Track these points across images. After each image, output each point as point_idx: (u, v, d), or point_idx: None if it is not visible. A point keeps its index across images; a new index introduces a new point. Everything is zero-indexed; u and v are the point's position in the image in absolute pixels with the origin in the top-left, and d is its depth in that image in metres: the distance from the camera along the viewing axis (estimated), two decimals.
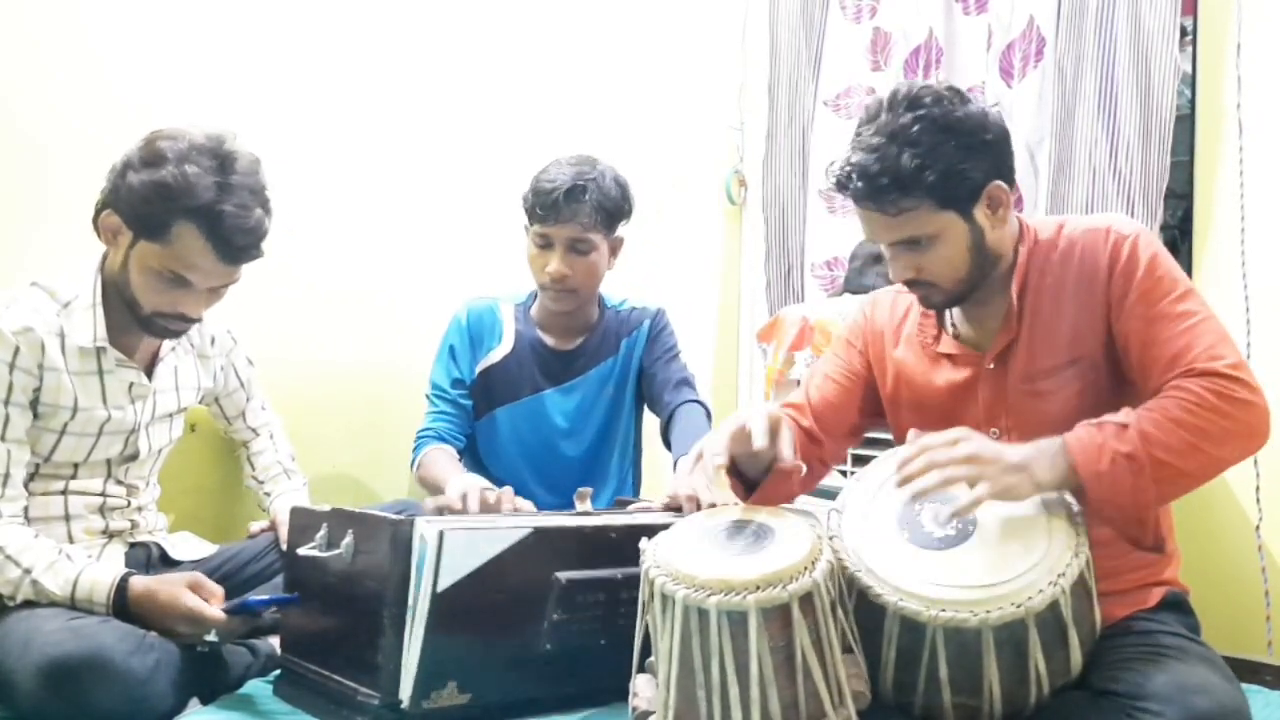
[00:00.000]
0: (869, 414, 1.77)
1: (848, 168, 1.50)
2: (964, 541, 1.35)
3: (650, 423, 2.31)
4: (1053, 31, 2.61)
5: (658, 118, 3.07)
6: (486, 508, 1.73)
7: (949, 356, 1.63)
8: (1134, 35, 2.47)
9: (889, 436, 1.78)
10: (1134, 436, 1.36)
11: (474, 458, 2.19)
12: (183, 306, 1.69)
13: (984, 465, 1.35)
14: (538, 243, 2.10)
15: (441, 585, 1.42)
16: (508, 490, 1.79)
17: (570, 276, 2.09)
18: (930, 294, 1.58)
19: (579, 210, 2.04)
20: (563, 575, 1.52)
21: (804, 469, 1.62)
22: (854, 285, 2.79)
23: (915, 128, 1.46)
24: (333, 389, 2.40)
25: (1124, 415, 1.39)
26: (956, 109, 1.48)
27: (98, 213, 1.68)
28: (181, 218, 1.61)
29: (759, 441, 1.44)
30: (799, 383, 2.62)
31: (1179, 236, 2.52)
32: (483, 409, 2.20)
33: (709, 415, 2.14)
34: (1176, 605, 1.53)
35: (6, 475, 1.62)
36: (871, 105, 1.53)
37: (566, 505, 1.81)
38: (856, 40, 3.02)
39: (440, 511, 1.72)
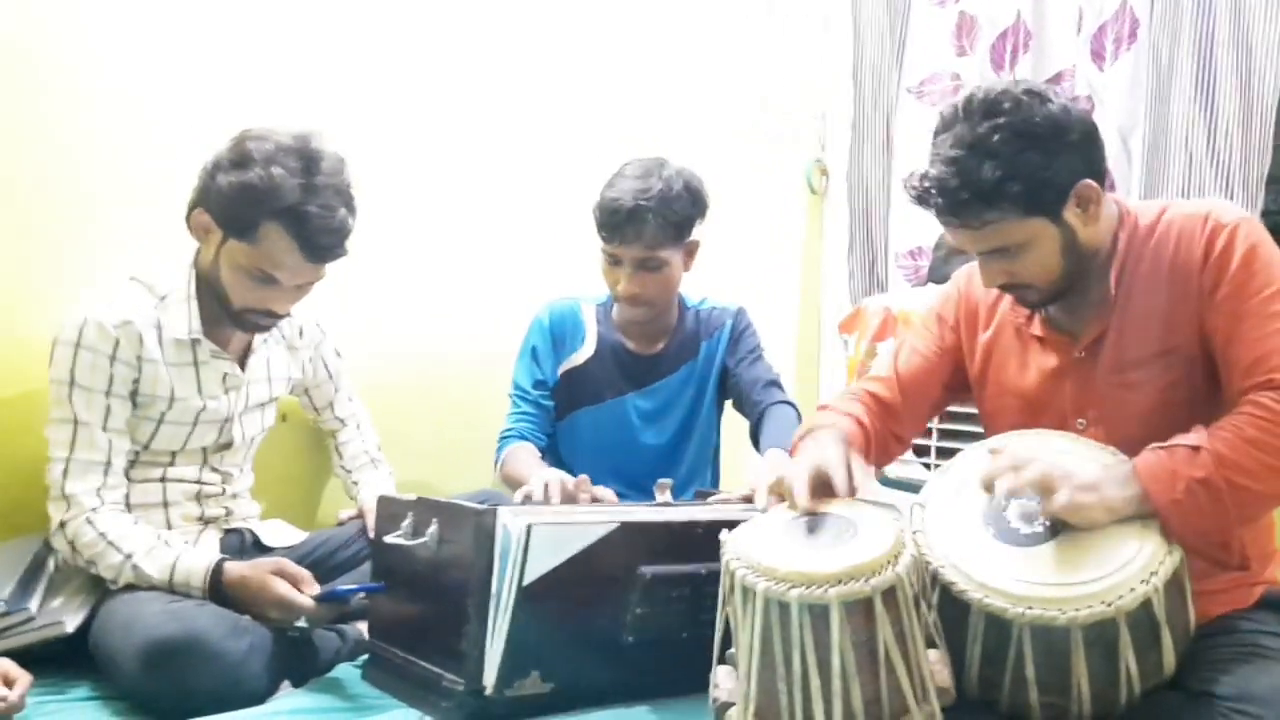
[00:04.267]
0: (953, 389, 1.73)
1: (927, 182, 1.46)
2: (1052, 538, 1.32)
3: (729, 420, 2.31)
4: (1147, 12, 2.53)
5: (739, 107, 3.05)
6: (566, 495, 1.74)
7: (1039, 340, 1.59)
8: (1234, 13, 2.38)
9: (977, 429, 1.75)
10: (1207, 460, 1.30)
11: (555, 457, 2.20)
12: (271, 303, 1.74)
13: (1056, 482, 1.31)
14: (608, 259, 2.09)
15: (528, 579, 1.44)
16: (584, 478, 1.80)
17: (641, 294, 2.08)
18: (1026, 294, 1.54)
19: (643, 231, 2.01)
20: (647, 570, 1.53)
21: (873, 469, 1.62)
22: (939, 275, 2.74)
23: (995, 137, 1.40)
24: (418, 381, 2.44)
25: (1195, 436, 1.33)
26: (1035, 113, 1.42)
27: (190, 211, 1.73)
28: (268, 218, 1.65)
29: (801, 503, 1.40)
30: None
31: None
32: (564, 410, 2.21)
33: (799, 416, 2.12)
34: (1275, 604, 1.47)
35: (108, 464, 1.68)
36: (947, 113, 1.48)
37: (647, 499, 1.82)
38: (941, 25, 2.97)
39: (525, 501, 1.74)
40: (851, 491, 1.44)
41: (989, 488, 1.37)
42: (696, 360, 2.23)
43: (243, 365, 1.86)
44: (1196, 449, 1.32)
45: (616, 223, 2.01)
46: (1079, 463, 1.37)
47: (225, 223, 1.69)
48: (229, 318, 1.77)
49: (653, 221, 2.01)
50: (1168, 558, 1.28)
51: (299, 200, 1.65)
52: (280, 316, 1.78)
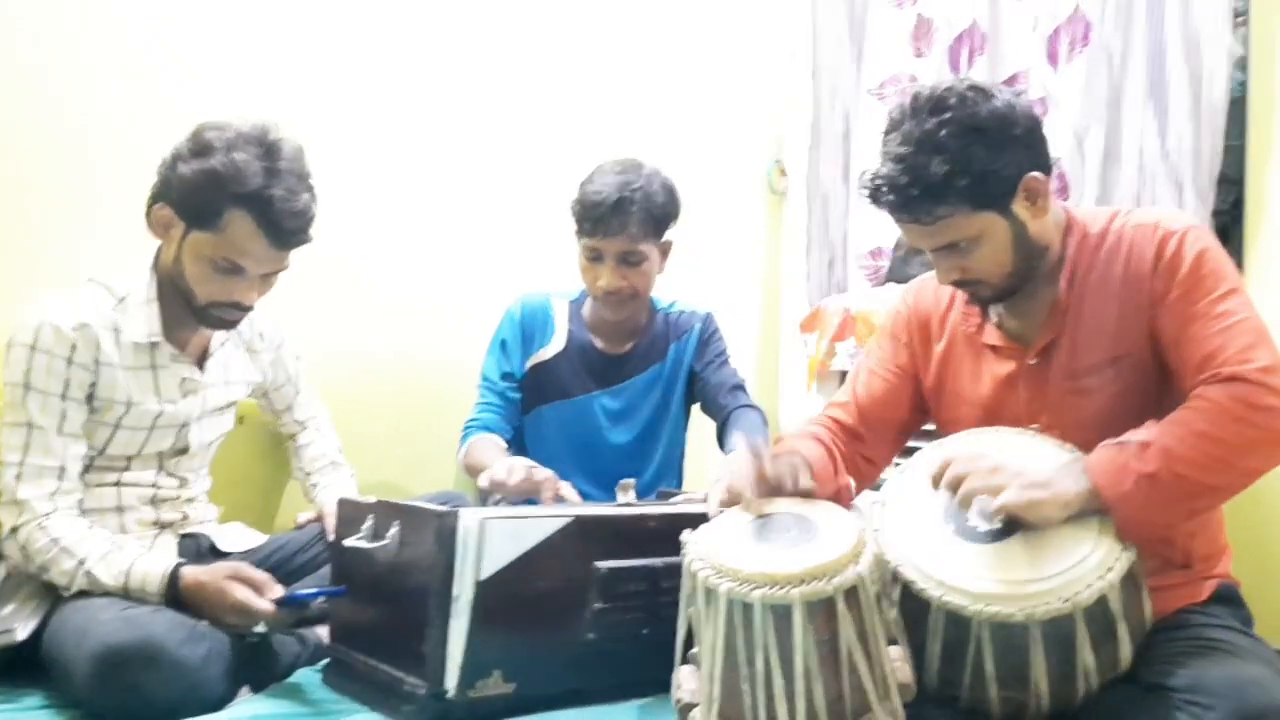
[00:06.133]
0: (918, 409, 1.75)
1: (877, 180, 1.48)
2: (1010, 535, 1.34)
3: (694, 425, 2.31)
4: (1099, 15, 2.56)
5: (698, 107, 3.05)
6: (531, 484, 1.74)
7: (993, 349, 1.61)
8: (1184, 17, 2.42)
9: (931, 427, 1.77)
10: (1156, 454, 1.32)
11: (522, 451, 2.21)
12: (237, 295, 1.71)
13: (1008, 478, 1.34)
14: (588, 255, 2.10)
15: (484, 574, 1.44)
16: (553, 476, 1.80)
17: (624, 288, 2.10)
18: (979, 290, 1.56)
19: (628, 222, 2.03)
20: (603, 564, 1.53)
21: (851, 483, 1.63)
22: (898, 275, 2.76)
23: (942, 133, 1.43)
24: (379, 383, 2.42)
25: (1145, 432, 1.36)
26: (981, 107, 1.45)
27: (149, 207, 1.71)
28: (232, 205, 1.63)
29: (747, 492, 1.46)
30: (842, 374, 2.62)
31: (1230, 223, 2.47)
32: (531, 404, 2.22)
33: (764, 420, 2.14)
34: (1229, 598, 1.51)
35: (62, 468, 1.65)
36: (895, 112, 1.50)
37: (611, 499, 1.82)
38: (899, 27, 2.99)
39: (490, 488, 1.73)
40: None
41: (937, 485, 1.39)
42: (664, 363, 2.25)
43: (201, 368, 1.84)
44: (1146, 444, 1.34)
45: (600, 215, 2.03)
46: (1031, 460, 1.39)
47: (187, 213, 1.67)
48: (194, 314, 1.75)
49: (637, 214, 2.03)
50: (1123, 554, 1.30)
51: (262, 185, 1.63)
52: (246, 309, 1.76)
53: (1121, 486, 1.32)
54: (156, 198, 1.70)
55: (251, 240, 1.66)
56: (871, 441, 1.73)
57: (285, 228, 1.66)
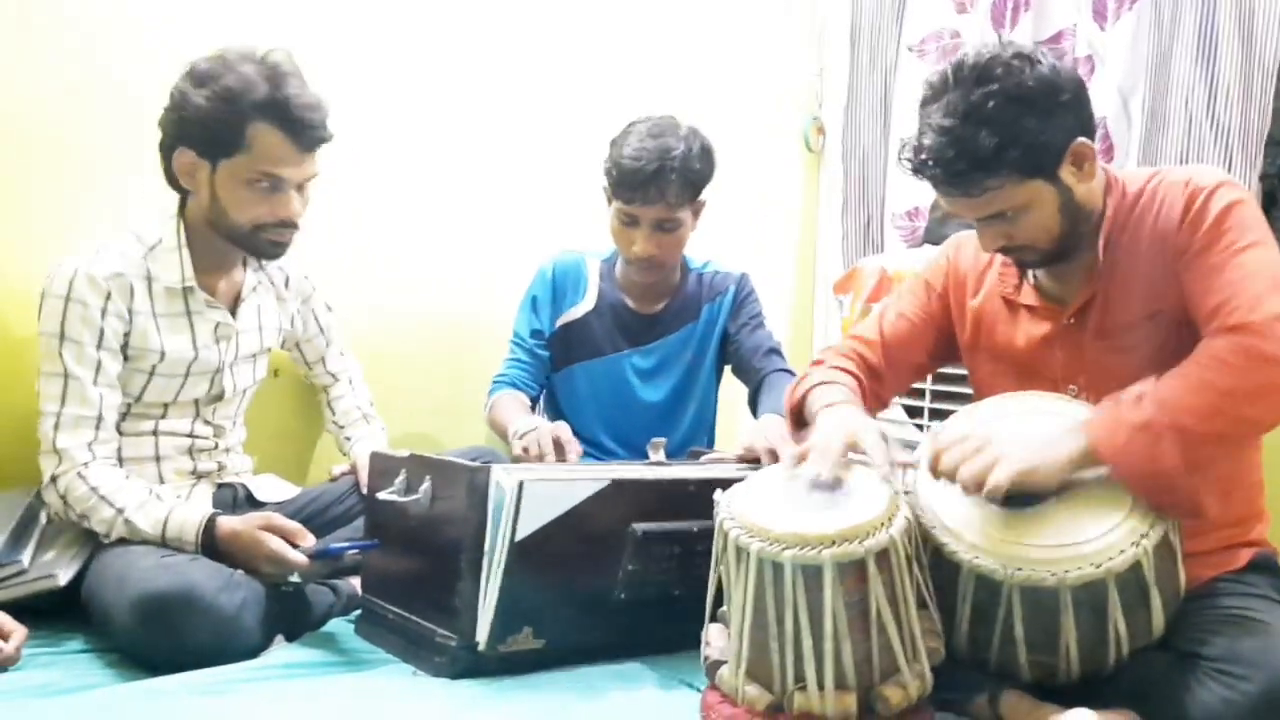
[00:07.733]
0: (937, 357, 1.75)
1: (922, 154, 1.45)
2: (1044, 500, 1.33)
3: (725, 386, 2.30)
4: None
5: (735, 63, 3.01)
6: (558, 448, 1.74)
7: (1029, 309, 1.60)
8: None
9: (968, 390, 1.76)
10: (1150, 405, 1.31)
11: (554, 409, 2.22)
12: (280, 210, 1.72)
13: (995, 455, 1.32)
14: (622, 219, 2.07)
15: (520, 534, 1.44)
16: (562, 425, 1.80)
17: (657, 254, 2.08)
18: (1024, 256, 1.53)
19: (666, 191, 2.00)
20: (638, 527, 1.54)
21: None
22: (935, 236, 2.72)
23: (990, 104, 1.39)
24: (413, 338, 2.43)
25: (1142, 385, 1.34)
26: (1028, 76, 1.41)
27: (168, 158, 1.71)
28: (252, 117, 1.66)
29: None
30: None
31: (1278, 186, 2.42)
32: (562, 362, 2.22)
33: None
34: (1265, 567, 1.49)
35: (99, 418, 1.67)
36: (936, 81, 1.46)
37: (641, 458, 1.82)
38: None
39: (524, 451, 1.74)
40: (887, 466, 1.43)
41: (937, 477, 1.38)
42: (697, 323, 2.23)
43: (233, 315, 1.85)
44: (1140, 396, 1.32)
45: (639, 182, 1.99)
46: (1031, 426, 1.38)
47: (211, 145, 1.68)
48: (245, 247, 1.77)
49: (675, 182, 2.00)
50: (1159, 521, 1.29)
51: (273, 89, 1.66)
52: (294, 226, 1.76)
53: (1116, 440, 1.31)
54: (173, 144, 1.70)
55: (280, 147, 1.68)
56: (889, 381, 1.73)
57: (307, 123, 1.68)
